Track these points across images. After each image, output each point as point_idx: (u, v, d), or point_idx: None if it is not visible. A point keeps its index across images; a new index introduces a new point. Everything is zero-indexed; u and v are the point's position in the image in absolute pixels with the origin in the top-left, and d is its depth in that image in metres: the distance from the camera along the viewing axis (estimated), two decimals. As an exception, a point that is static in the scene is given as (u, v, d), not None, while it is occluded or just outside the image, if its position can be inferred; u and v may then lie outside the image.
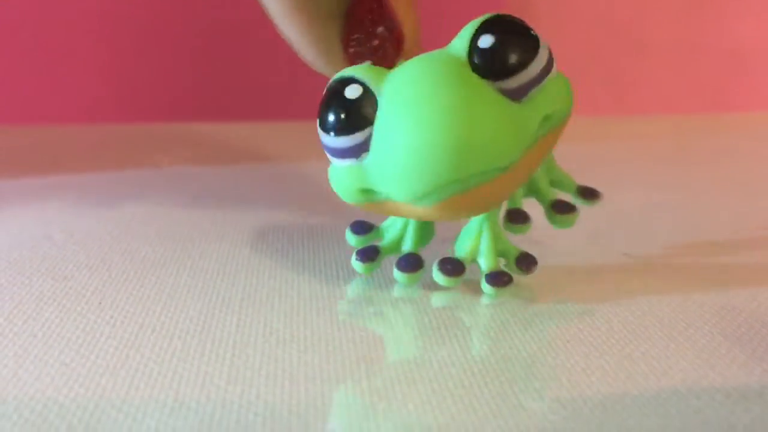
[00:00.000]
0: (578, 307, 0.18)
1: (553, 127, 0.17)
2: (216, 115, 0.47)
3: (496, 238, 0.19)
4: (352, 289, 0.19)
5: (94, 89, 0.46)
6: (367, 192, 0.17)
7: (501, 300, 0.18)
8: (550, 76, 0.17)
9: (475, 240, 0.19)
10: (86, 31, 0.45)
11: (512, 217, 0.20)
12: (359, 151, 0.16)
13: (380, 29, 0.18)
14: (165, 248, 0.22)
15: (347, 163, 0.17)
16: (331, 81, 0.17)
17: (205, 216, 0.25)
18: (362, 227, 0.20)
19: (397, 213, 0.17)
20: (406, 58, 0.17)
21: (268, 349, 0.16)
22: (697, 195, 0.30)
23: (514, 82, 0.16)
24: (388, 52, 0.18)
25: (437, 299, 0.19)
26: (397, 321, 0.17)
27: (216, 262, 0.21)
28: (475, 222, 0.19)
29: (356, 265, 0.19)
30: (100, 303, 0.18)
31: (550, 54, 0.17)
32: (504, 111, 0.16)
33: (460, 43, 0.16)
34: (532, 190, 0.21)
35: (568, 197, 0.21)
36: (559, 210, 0.20)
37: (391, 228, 0.20)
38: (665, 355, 0.16)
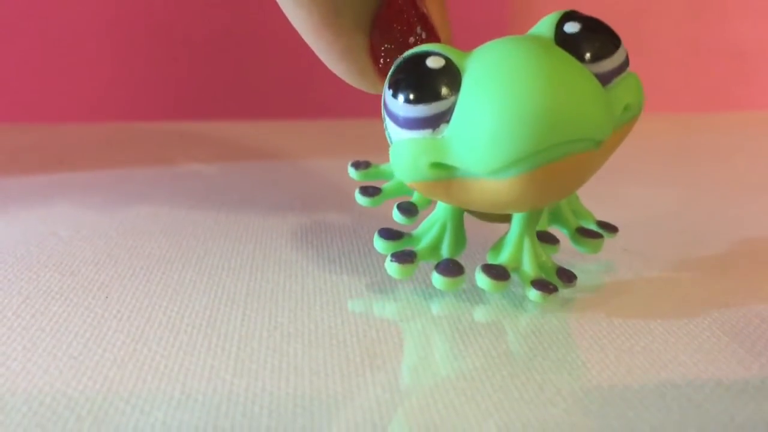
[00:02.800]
0: (579, 302, 0.18)
1: (630, 118, 0.17)
2: (221, 114, 0.47)
3: (536, 249, 0.18)
4: (356, 285, 0.19)
5: (100, 88, 0.46)
6: (440, 167, 0.16)
7: (501, 296, 0.19)
8: (628, 68, 0.17)
9: (515, 249, 0.18)
10: (92, 30, 0.46)
11: (541, 238, 0.19)
12: (438, 121, 0.16)
13: (412, 39, 0.18)
14: (170, 245, 0.22)
15: (421, 134, 0.16)
16: (407, 53, 0.16)
17: (209, 213, 0.26)
18: (392, 234, 0.19)
19: (460, 196, 0.16)
20: None
21: (273, 343, 0.16)
22: (698, 192, 0.30)
23: (600, 67, 0.16)
24: None
25: (440, 297, 0.19)
26: (401, 316, 0.18)
27: (221, 257, 0.21)
28: (512, 232, 0.18)
29: (391, 267, 0.18)
30: (107, 297, 0.18)
31: (626, 52, 0.17)
32: (597, 86, 0.16)
33: (543, 29, 0.16)
34: (556, 218, 0.21)
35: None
36: (585, 234, 0.20)
37: (427, 234, 0.19)
38: (665, 349, 0.16)
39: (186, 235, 0.23)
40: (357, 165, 0.21)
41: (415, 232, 0.19)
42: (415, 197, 0.20)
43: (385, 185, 0.21)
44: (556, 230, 0.21)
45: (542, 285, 0.17)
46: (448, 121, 0.16)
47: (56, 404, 0.14)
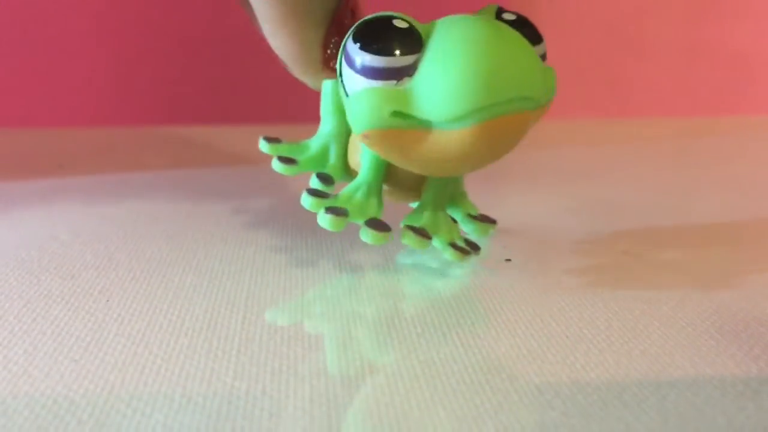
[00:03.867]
0: (578, 305, 0.18)
1: (545, 103, 0.18)
2: (221, 118, 0.47)
3: (448, 218, 0.21)
4: (357, 289, 0.20)
5: (100, 92, 0.46)
6: (401, 116, 0.17)
7: (501, 299, 0.19)
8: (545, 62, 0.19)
9: (431, 216, 0.20)
10: (90, 35, 0.46)
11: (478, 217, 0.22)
12: (402, 74, 0.17)
13: None
14: (170, 248, 0.22)
15: (385, 84, 0.17)
16: (372, 15, 0.18)
17: (209, 217, 0.26)
18: (320, 193, 0.20)
19: (411, 148, 0.18)
20: None
21: (273, 346, 0.16)
22: (697, 197, 0.31)
23: (537, 51, 0.18)
24: None
25: (440, 298, 0.19)
26: (401, 320, 0.18)
27: (221, 261, 0.21)
28: (427, 203, 0.20)
29: (324, 219, 0.19)
30: (107, 301, 0.18)
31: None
32: (538, 58, 0.18)
33: (484, 15, 0.18)
34: (450, 205, 0.22)
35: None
36: (475, 218, 0.22)
37: (353, 196, 0.20)
38: (663, 353, 0.16)
39: (186, 239, 0.23)
40: (269, 139, 0.22)
41: (340, 194, 0.20)
42: (328, 169, 0.22)
43: (301, 158, 0.22)
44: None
45: (458, 247, 0.20)
46: (411, 75, 0.17)
47: (57, 407, 0.14)
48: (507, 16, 0.18)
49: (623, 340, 0.16)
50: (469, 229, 0.22)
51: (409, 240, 0.19)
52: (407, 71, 0.17)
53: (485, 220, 0.22)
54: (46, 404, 0.14)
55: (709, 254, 0.22)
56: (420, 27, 0.18)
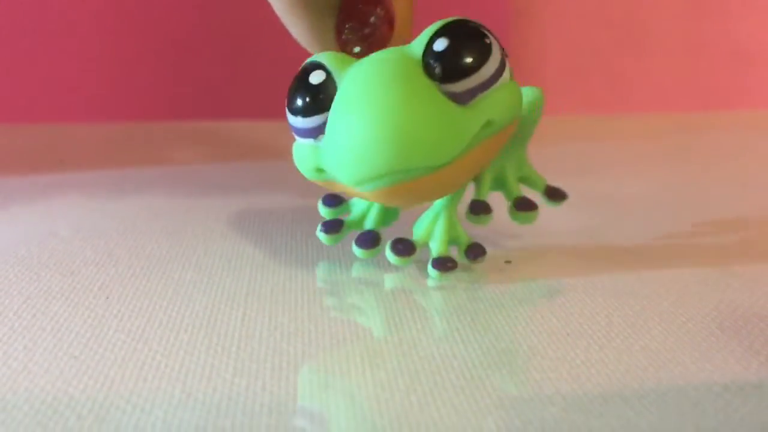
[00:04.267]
0: (578, 302, 0.18)
1: (495, 132, 0.18)
2: (220, 113, 0.47)
3: (450, 225, 0.20)
4: (357, 285, 0.20)
5: (100, 88, 0.46)
6: (321, 171, 0.18)
7: (502, 295, 0.19)
8: (500, 83, 0.18)
9: (430, 224, 0.20)
10: (91, 30, 0.46)
11: (474, 208, 0.21)
12: (317, 132, 0.18)
13: (372, 18, 0.19)
14: (170, 244, 0.22)
15: (307, 142, 0.18)
16: (302, 65, 0.18)
17: (209, 213, 0.26)
18: (334, 200, 0.22)
19: (349, 192, 0.18)
20: (397, 44, 0.19)
21: (273, 342, 0.16)
22: (697, 191, 0.31)
23: (460, 87, 0.17)
24: (380, 39, 0.19)
25: (442, 296, 0.19)
26: (402, 316, 0.18)
27: (221, 258, 0.21)
28: (434, 207, 0.20)
29: (320, 235, 0.20)
30: (107, 298, 0.18)
31: (503, 62, 0.18)
32: (444, 114, 0.17)
33: (418, 43, 0.18)
34: (499, 185, 0.22)
35: (536, 195, 0.22)
36: (521, 207, 0.21)
37: (357, 204, 0.21)
38: (664, 349, 0.16)
39: (186, 235, 0.23)
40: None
41: (351, 201, 0.21)
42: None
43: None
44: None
45: (440, 264, 0.19)
46: (323, 133, 0.18)
47: (57, 403, 0.14)
48: (439, 44, 0.17)
49: (623, 336, 0.16)
50: (513, 220, 0.21)
51: (390, 257, 0.19)
52: (320, 130, 0.18)
53: (552, 196, 0.22)
54: (45, 400, 0.14)
55: (709, 249, 0.22)
56: (341, 70, 0.18)
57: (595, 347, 0.16)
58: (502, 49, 0.18)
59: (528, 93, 0.21)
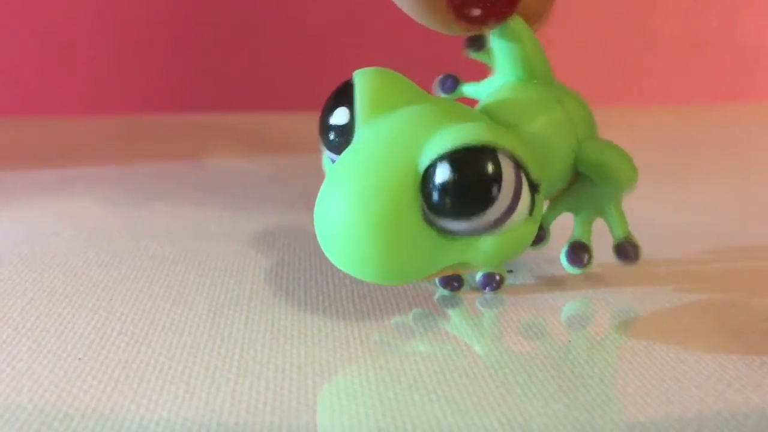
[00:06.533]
0: (580, 302, 0.18)
1: (466, 266, 0.17)
2: (227, 106, 0.47)
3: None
4: (359, 287, 0.20)
5: (103, 81, 0.46)
6: None
7: (503, 298, 0.19)
8: (503, 228, 0.16)
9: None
10: (96, 23, 0.46)
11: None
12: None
13: None
14: (173, 246, 0.22)
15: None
16: (343, 83, 0.17)
17: (212, 212, 0.26)
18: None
19: None
20: (530, 17, 0.17)
21: (276, 344, 0.16)
22: (702, 186, 0.30)
23: (446, 224, 0.16)
24: (496, 5, 0.17)
25: (442, 297, 0.19)
26: (403, 318, 0.18)
27: (224, 259, 0.21)
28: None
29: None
30: (110, 299, 0.18)
31: (514, 203, 0.16)
32: (423, 249, 0.16)
33: (426, 155, 0.15)
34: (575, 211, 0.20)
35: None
36: (571, 258, 0.20)
37: None
38: (666, 348, 0.16)
39: (189, 236, 0.23)
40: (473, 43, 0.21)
41: None
42: None
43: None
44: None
45: (446, 281, 0.19)
46: None
47: (61, 403, 0.14)
48: (440, 174, 0.15)
49: (626, 336, 0.16)
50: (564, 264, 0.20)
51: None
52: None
53: (620, 255, 0.19)
54: (50, 399, 0.14)
55: (713, 247, 0.22)
56: (361, 119, 0.17)
57: (598, 347, 0.16)
58: (526, 179, 0.16)
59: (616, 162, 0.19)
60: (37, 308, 0.18)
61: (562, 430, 0.13)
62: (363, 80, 0.17)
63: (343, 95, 0.17)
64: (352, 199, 0.15)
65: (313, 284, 0.20)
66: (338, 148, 0.17)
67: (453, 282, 0.19)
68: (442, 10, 0.17)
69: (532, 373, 0.15)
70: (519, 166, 0.16)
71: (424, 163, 0.15)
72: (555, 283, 0.20)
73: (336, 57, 0.45)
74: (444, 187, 0.15)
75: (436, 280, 0.19)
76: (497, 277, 0.19)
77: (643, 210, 0.27)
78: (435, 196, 0.15)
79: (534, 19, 0.18)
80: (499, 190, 0.15)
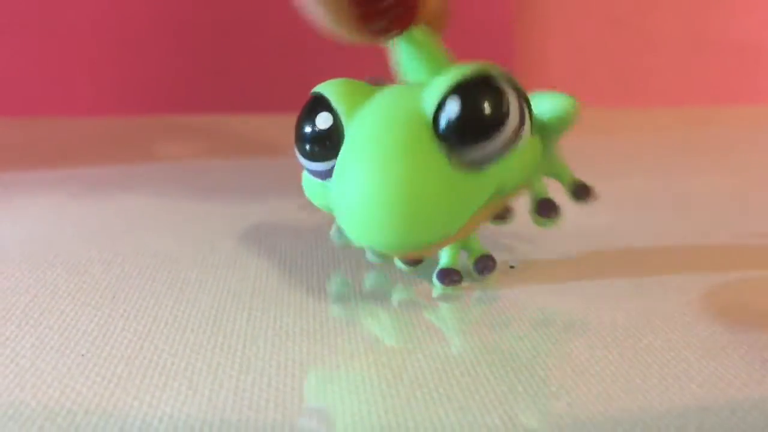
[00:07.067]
0: (582, 301, 0.18)
1: (504, 196, 0.17)
2: (228, 107, 0.47)
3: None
4: (362, 285, 0.20)
5: (105, 82, 0.46)
6: (330, 209, 0.18)
7: (505, 297, 0.19)
8: (518, 144, 0.17)
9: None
10: (94, 24, 0.46)
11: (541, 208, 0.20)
12: (325, 175, 0.18)
13: None
14: (176, 243, 0.22)
15: (316, 179, 0.18)
16: (308, 100, 0.18)
17: (215, 211, 0.26)
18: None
19: None
20: (431, 23, 0.18)
21: (278, 341, 0.16)
22: (701, 186, 0.30)
23: (471, 154, 0.16)
24: (402, 15, 0.18)
25: (444, 295, 0.19)
26: (406, 316, 0.18)
27: (226, 257, 0.21)
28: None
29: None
30: (113, 297, 0.18)
31: (522, 120, 0.17)
32: (452, 190, 0.16)
33: (430, 96, 0.16)
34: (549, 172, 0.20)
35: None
36: (542, 212, 0.20)
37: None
38: (668, 347, 0.16)
39: (191, 234, 0.23)
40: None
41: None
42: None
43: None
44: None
45: (444, 275, 0.19)
46: (331, 177, 0.17)
47: (65, 399, 0.14)
48: (449, 109, 0.16)
49: (627, 334, 0.16)
50: (534, 223, 0.20)
51: (398, 264, 0.20)
52: (328, 174, 0.17)
53: (583, 193, 0.20)
54: (53, 395, 0.14)
55: (713, 246, 0.22)
56: (349, 114, 0.17)
57: (600, 345, 0.16)
58: (523, 100, 0.17)
59: (557, 103, 0.19)
60: (41, 305, 0.18)
61: (563, 427, 0.13)
62: (331, 88, 0.18)
63: (317, 105, 0.18)
64: (369, 168, 0.16)
65: (315, 282, 0.20)
66: (322, 155, 0.17)
67: (452, 276, 0.19)
68: (347, 22, 0.18)
69: (534, 372, 0.15)
70: (514, 87, 0.17)
71: (431, 109, 0.16)
72: (555, 282, 0.20)
73: (336, 58, 0.45)
74: (461, 117, 0.16)
75: (435, 278, 0.19)
76: (454, 277, 0.19)
77: (645, 210, 0.27)
78: (454, 129, 0.16)
79: (436, 24, 0.19)
80: (508, 106, 0.16)
